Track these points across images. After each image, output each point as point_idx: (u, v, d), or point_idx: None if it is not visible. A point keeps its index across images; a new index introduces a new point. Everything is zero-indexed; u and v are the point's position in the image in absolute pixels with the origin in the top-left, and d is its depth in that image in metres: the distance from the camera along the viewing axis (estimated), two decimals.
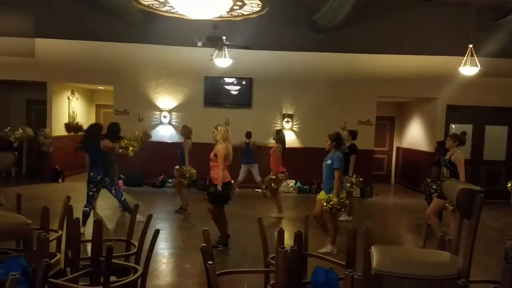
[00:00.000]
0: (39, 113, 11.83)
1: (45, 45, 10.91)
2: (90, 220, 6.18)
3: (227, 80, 11.18)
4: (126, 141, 6.61)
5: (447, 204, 5.95)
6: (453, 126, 11.03)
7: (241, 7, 2.93)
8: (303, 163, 10.61)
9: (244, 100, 11.17)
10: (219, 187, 5.80)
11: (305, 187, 11.04)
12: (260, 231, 3.76)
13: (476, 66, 8.88)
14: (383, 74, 10.99)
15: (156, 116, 11.23)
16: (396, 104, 13.31)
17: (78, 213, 3.80)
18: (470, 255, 2.53)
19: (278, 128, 10.36)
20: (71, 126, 11.70)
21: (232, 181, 6.60)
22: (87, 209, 6.45)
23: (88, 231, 5.80)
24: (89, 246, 3.58)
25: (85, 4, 10.60)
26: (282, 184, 9.61)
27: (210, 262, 2.57)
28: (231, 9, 2.94)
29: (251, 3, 2.87)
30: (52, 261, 2.93)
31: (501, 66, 10.59)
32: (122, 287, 3.05)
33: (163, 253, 5.82)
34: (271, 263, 3.51)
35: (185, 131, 8.20)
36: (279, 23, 10.45)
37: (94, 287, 3.20)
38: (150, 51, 10.98)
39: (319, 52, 10.97)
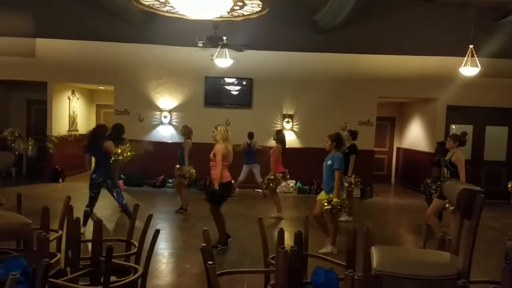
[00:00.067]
0: (40, 113, 11.85)
1: (45, 45, 10.91)
2: (90, 220, 6.19)
3: (228, 80, 11.19)
4: (119, 151, 6.69)
5: (447, 205, 5.94)
6: (453, 126, 11.03)
7: (241, 7, 2.93)
8: (303, 163, 10.61)
9: (244, 100, 11.17)
10: (216, 186, 5.83)
11: (305, 187, 11.04)
12: (260, 231, 3.76)
13: (477, 66, 8.88)
14: (384, 75, 10.99)
15: (157, 116, 11.23)
16: (396, 104, 13.31)
17: (78, 213, 3.80)
18: (470, 255, 2.53)
19: (278, 128, 10.36)
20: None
21: (233, 181, 6.60)
22: (89, 209, 6.45)
23: (88, 231, 5.80)
24: (89, 246, 3.58)
25: (85, 4, 10.61)
26: (282, 184, 9.66)
27: (210, 262, 2.57)
28: (232, 9, 2.94)
29: (251, 3, 2.87)
30: (52, 261, 2.93)
31: (502, 67, 10.59)
32: (122, 287, 3.05)
33: (163, 253, 5.82)
34: (271, 263, 3.51)
35: (185, 131, 8.21)
36: (279, 23, 10.45)
37: (94, 287, 3.19)
38: (151, 51, 10.99)
39: (319, 53, 10.98)
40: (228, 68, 10.19)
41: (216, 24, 8.76)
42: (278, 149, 8.05)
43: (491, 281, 3.36)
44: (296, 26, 10.81)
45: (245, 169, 9.73)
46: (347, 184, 7.54)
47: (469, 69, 8.98)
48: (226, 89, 11.28)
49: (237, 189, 9.84)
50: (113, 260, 3.01)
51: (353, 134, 8.16)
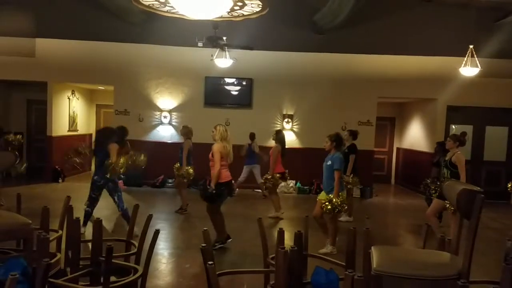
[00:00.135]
0: (40, 113, 11.85)
1: (45, 45, 10.91)
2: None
3: (228, 80, 11.19)
4: (121, 161, 6.31)
5: (448, 205, 5.94)
6: (453, 126, 11.03)
7: (241, 7, 2.93)
8: (303, 164, 10.62)
9: (244, 100, 11.17)
10: (213, 185, 5.84)
11: (305, 187, 11.04)
12: (260, 231, 3.76)
13: (477, 66, 8.88)
14: (384, 75, 10.99)
15: (157, 116, 11.23)
16: (396, 104, 13.31)
17: (78, 213, 3.79)
18: (470, 255, 2.53)
19: (278, 128, 10.36)
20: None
21: (233, 181, 6.60)
22: (89, 209, 6.43)
23: (88, 231, 5.80)
24: (89, 246, 3.58)
25: (85, 4, 10.61)
26: (282, 184, 9.65)
27: (210, 262, 2.57)
28: (232, 10, 2.94)
29: (251, 3, 2.87)
30: (52, 261, 2.93)
31: (502, 67, 10.59)
32: (122, 287, 3.05)
33: (163, 253, 5.82)
34: (271, 263, 3.51)
35: (185, 131, 8.21)
36: (279, 23, 10.46)
37: (94, 287, 3.19)
38: (151, 51, 10.99)
39: (319, 53, 10.98)
40: (228, 68, 10.20)
41: (216, 24, 8.75)
42: (277, 149, 8.06)
43: (491, 281, 3.36)
44: (296, 26, 10.81)
45: (245, 169, 9.73)
46: (344, 183, 7.55)
47: (469, 69, 8.98)
48: (226, 89, 11.28)
49: (237, 189, 9.83)
50: (113, 260, 3.01)
51: (353, 134, 8.17)
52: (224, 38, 9.38)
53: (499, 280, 2.45)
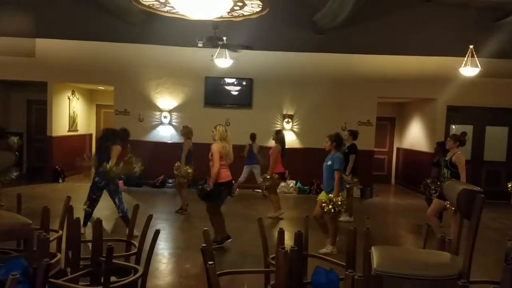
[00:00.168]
0: (40, 113, 11.85)
1: (45, 45, 10.91)
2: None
3: (228, 80, 11.19)
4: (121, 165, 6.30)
5: (448, 205, 5.94)
6: (453, 126, 11.03)
7: (241, 7, 2.93)
8: (303, 164, 10.62)
9: (244, 100, 11.17)
10: (211, 185, 5.85)
11: (305, 187, 11.04)
12: (260, 231, 3.76)
13: (477, 66, 8.88)
14: (384, 75, 10.99)
15: (157, 116, 11.23)
16: (396, 104, 13.31)
17: (78, 213, 3.80)
18: (470, 255, 2.53)
19: (278, 128, 10.36)
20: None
21: (233, 181, 6.60)
22: (89, 209, 6.42)
23: (88, 231, 5.80)
24: (89, 246, 3.58)
25: (85, 4, 10.61)
26: (282, 184, 9.65)
27: (210, 262, 2.57)
28: (232, 10, 2.94)
29: (251, 4, 2.87)
30: (53, 261, 2.92)
31: (502, 67, 10.59)
32: (122, 287, 3.05)
33: (163, 253, 5.82)
34: (271, 263, 3.52)
35: (185, 131, 8.21)
36: (279, 23, 10.46)
37: (94, 287, 3.19)
38: (151, 51, 10.99)
39: (319, 53, 10.98)
40: (228, 68, 10.20)
41: (216, 25, 8.75)
42: (277, 149, 8.06)
43: (491, 281, 3.36)
44: (296, 26, 10.81)
45: (245, 170, 9.74)
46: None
47: (469, 69, 8.98)
48: (226, 89, 11.28)
49: (237, 189, 9.83)
50: (113, 260, 3.01)
51: (353, 134, 8.18)
52: (224, 38, 9.38)
53: (500, 280, 2.45)
